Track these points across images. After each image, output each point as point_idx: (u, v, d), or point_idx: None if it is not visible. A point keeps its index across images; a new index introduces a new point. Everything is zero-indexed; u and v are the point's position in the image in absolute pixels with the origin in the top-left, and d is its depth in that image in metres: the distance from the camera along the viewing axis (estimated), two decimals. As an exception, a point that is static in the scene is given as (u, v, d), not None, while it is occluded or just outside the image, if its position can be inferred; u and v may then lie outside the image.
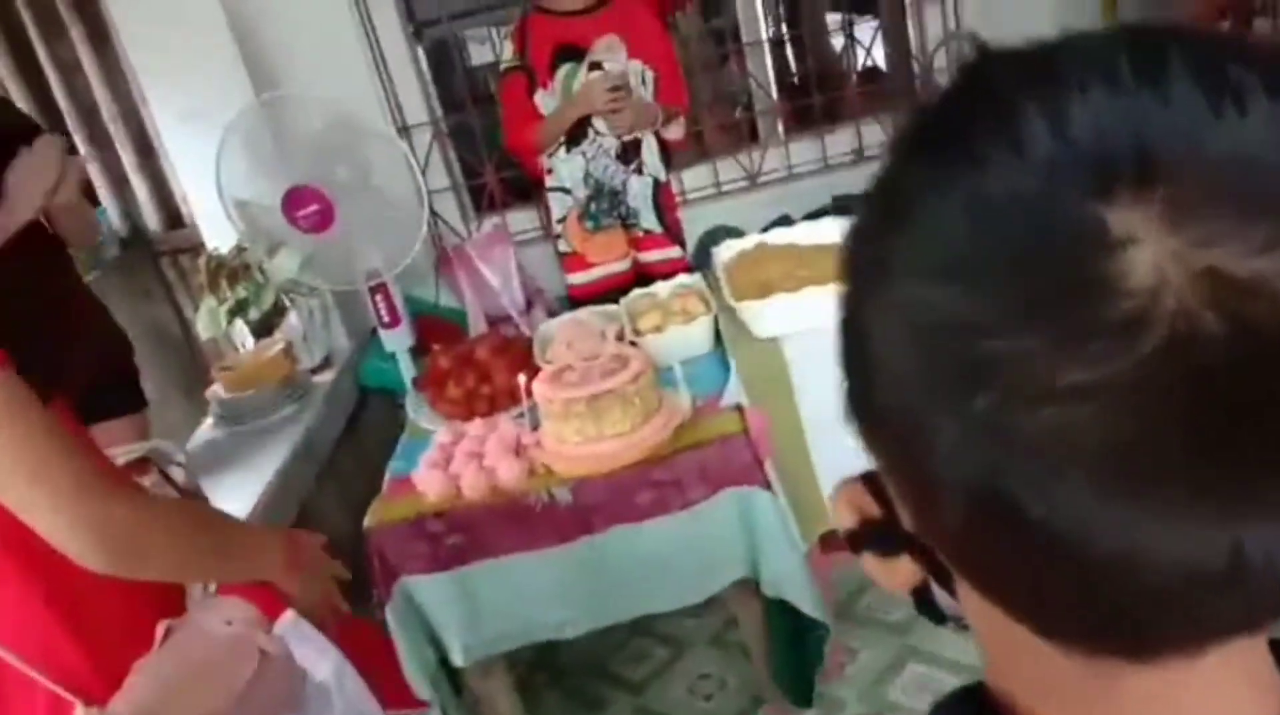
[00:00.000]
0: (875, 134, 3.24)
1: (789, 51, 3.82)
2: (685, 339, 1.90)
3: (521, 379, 1.76)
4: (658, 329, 1.92)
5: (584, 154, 2.44)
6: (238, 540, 1.13)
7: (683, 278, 2.12)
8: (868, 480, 0.41)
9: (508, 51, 2.42)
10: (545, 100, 2.42)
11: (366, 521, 1.68)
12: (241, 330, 2.56)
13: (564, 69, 2.38)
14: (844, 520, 0.43)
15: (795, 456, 1.67)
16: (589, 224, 2.50)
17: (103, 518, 0.91)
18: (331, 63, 2.83)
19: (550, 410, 1.69)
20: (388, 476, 1.83)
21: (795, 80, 3.43)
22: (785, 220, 3.19)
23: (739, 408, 1.68)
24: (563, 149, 2.45)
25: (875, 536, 0.41)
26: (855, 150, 3.26)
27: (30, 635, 0.95)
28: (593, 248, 2.53)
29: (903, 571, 0.40)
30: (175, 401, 3.12)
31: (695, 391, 1.78)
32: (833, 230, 1.94)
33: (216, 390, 2.45)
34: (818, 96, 3.23)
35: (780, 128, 3.28)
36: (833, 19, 3.77)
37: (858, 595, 2.17)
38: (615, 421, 1.64)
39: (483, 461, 1.70)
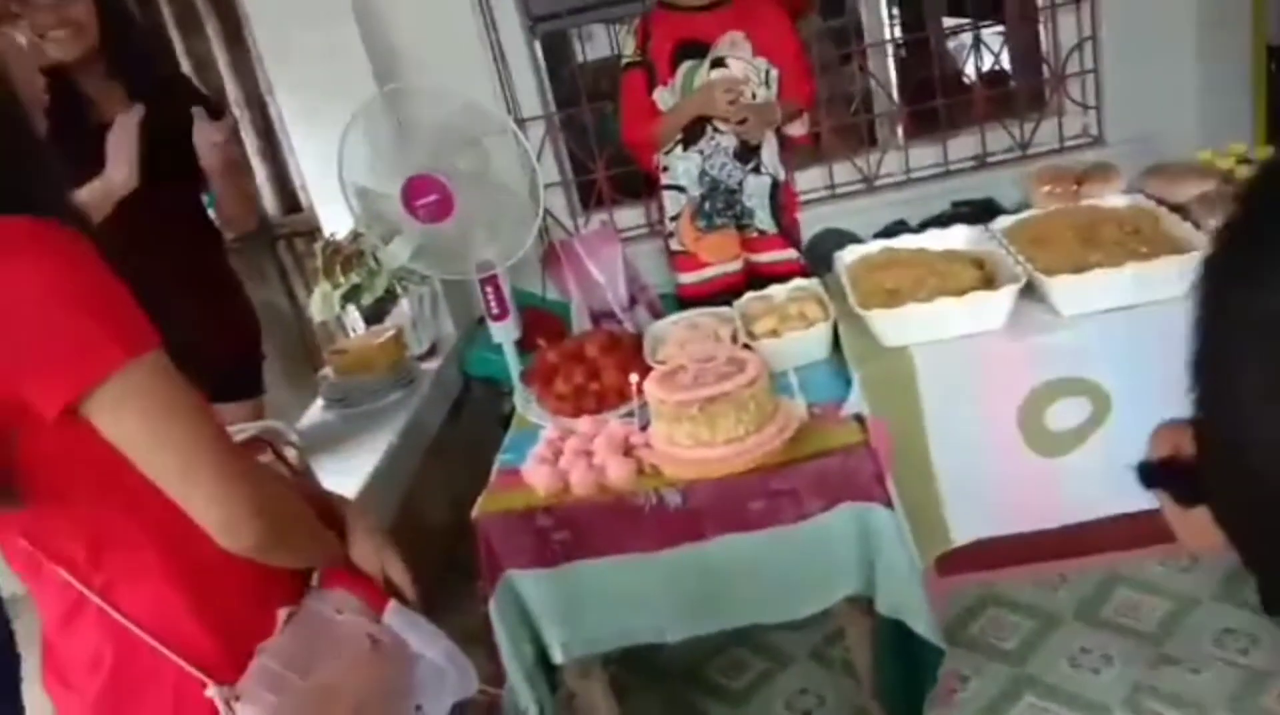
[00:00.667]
0: (1000, 139, 3.13)
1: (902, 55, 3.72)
2: (802, 345, 1.84)
3: (633, 378, 1.72)
4: (774, 333, 1.87)
5: (701, 152, 2.40)
6: (319, 528, 1.13)
7: (799, 281, 2.06)
8: (1196, 426, 0.45)
9: (629, 47, 2.39)
10: (664, 96, 2.38)
11: (475, 512, 1.67)
12: (353, 315, 2.60)
13: (685, 65, 2.34)
14: (1158, 450, 0.51)
15: (917, 471, 1.60)
16: (701, 223, 2.47)
17: (259, 498, 0.92)
18: (450, 56, 2.86)
19: (662, 411, 1.65)
20: (496, 467, 1.82)
21: (917, 83, 3.32)
22: (901, 225, 3.10)
23: (860, 418, 1.62)
24: (679, 147, 2.41)
25: (1179, 477, 0.46)
26: (977, 156, 3.15)
27: (162, 616, 0.96)
28: (705, 247, 2.49)
29: (1197, 525, 0.43)
30: (286, 382, 3.19)
31: (811, 399, 1.72)
32: (961, 237, 1.86)
33: (327, 373, 2.49)
34: (941, 100, 3.12)
35: (900, 131, 3.19)
36: (949, 22, 3.66)
37: (970, 618, 2.08)
38: (729, 426, 1.60)
39: (591, 459, 1.67)
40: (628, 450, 1.69)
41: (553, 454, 1.73)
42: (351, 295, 2.55)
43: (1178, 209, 1.69)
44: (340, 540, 1.16)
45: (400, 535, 1.26)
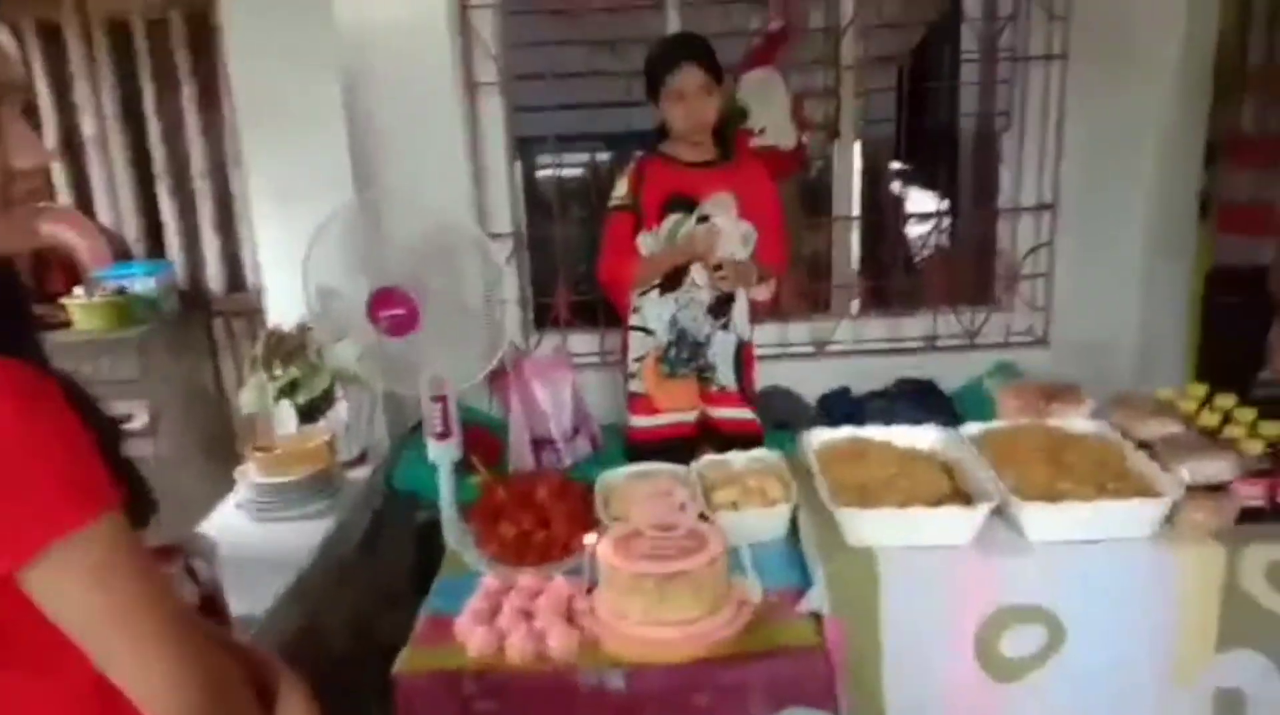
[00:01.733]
0: (950, 325, 3.21)
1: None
2: (762, 524, 1.79)
3: (590, 539, 1.65)
4: (734, 506, 1.82)
5: (676, 300, 2.41)
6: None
7: (761, 452, 2.03)
8: None
9: (622, 188, 2.40)
10: (647, 241, 2.40)
11: (397, 666, 1.54)
12: (287, 411, 2.47)
13: (673, 217, 2.36)
14: None
15: (866, 680, 1.54)
16: (665, 369, 2.45)
17: (209, 684, 0.82)
18: (431, 166, 2.84)
19: (615, 579, 1.57)
20: (423, 615, 1.70)
21: (877, 258, 3.42)
22: (845, 393, 3.14)
23: (816, 617, 1.56)
24: (655, 291, 2.41)
25: None
26: (927, 337, 3.23)
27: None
28: (664, 393, 2.47)
29: None
30: (194, 464, 3.01)
31: (766, 582, 1.67)
32: (929, 438, 1.86)
33: (248, 470, 2.34)
34: (897, 281, 3.21)
35: (856, 302, 3.25)
36: (915, 207, 3.80)
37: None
38: (683, 606, 1.53)
39: (533, 622, 1.58)
40: (571, 615, 1.60)
41: (490, 610, 1.62)
42: (287, 390, 2.43)
43: (1143, 445, 1.72)
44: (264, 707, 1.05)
45: (299, 664, 1.17)
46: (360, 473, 2.54)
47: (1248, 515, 1.62)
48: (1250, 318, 3.64)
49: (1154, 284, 3.16)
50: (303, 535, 2.18)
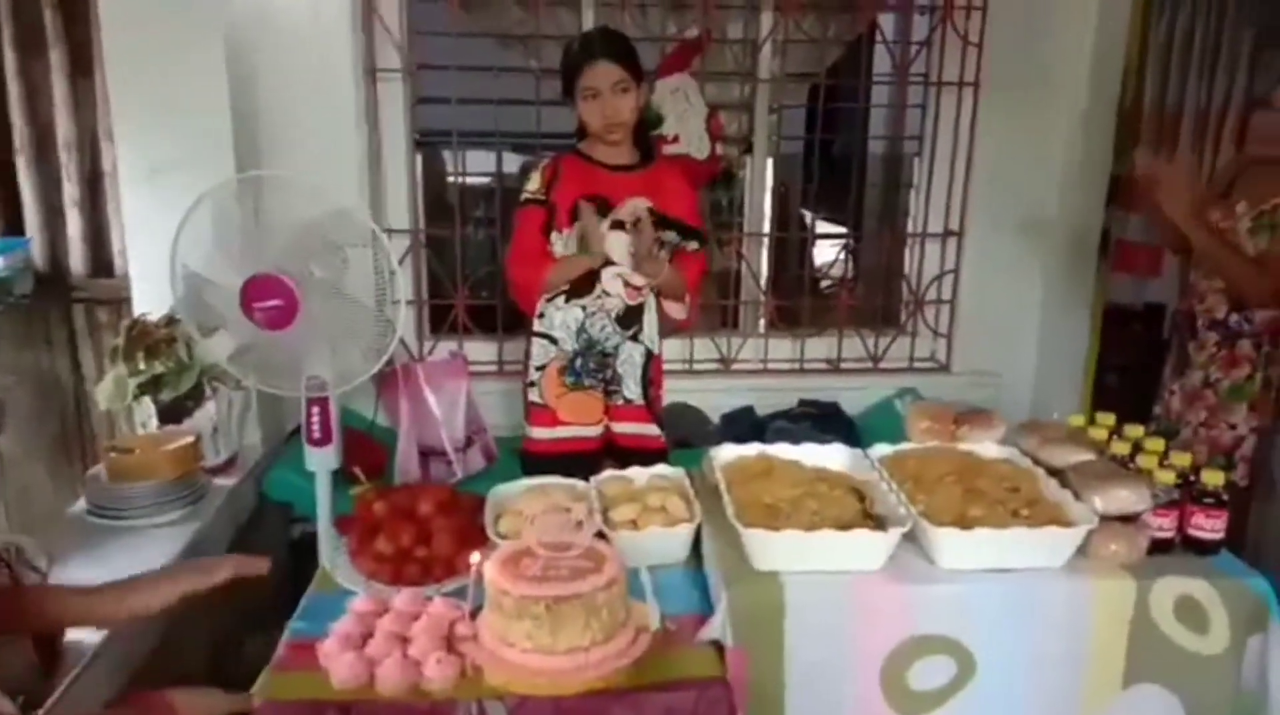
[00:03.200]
0: (854, 348, 3.18)
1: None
2: (663, 543, 1.68)
3: (474, 558, 1.50)
4: (633, 525, 1.70)
5: (584, 307, 2.29)
6: None
7: (663, 468, 1.92)
8: None
9: (535, 183, 2.26)
10: (559, 242, 2.27)
11: (254, 692, 1.37)
12: (148, 409, 2.26)
13: (585, 208, 2.23)
14: None
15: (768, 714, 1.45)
16: (569, 379, 2.33)
17: None
18: (322, 153, 2.66)
19: (501, 602, 1.43)
20: (286, 636, 1.54)
21: (785, 278, 3.37)
22: (749, 412, 3.08)
23: (718, 646, 1.46)
24: (562, 297, 2.29)
25: None
26: (831, 360, 3.19)
27: None
28: (565, 405, 2.34)
29: None
30: (44, 463, 2.75)
31: (665, 607, 1.55)
32: (838, 458, 1.78)
33: (99, 473, 2.12)
34: (805, 301, 3.17)
35: (763, 322, 3.20)
36: (824, 228, 3.78)
37: None
38: (575, 633, 1.40)
39: (407, 649, 1.43)
40: (451, 642, 1.46)
41: (360, 635, 1.46)
42: (150, 387, 2.22)
43: (1054, 473, 1.68)
44: None
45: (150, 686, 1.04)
46: (227, 480, 2.34)
47: (1157, 546, 1.59)
48: (1146, 355, 3.73)
49: (1053, 316, 3.20)
50: (158, 546, 1.98)
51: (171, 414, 2.25)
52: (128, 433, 2.33)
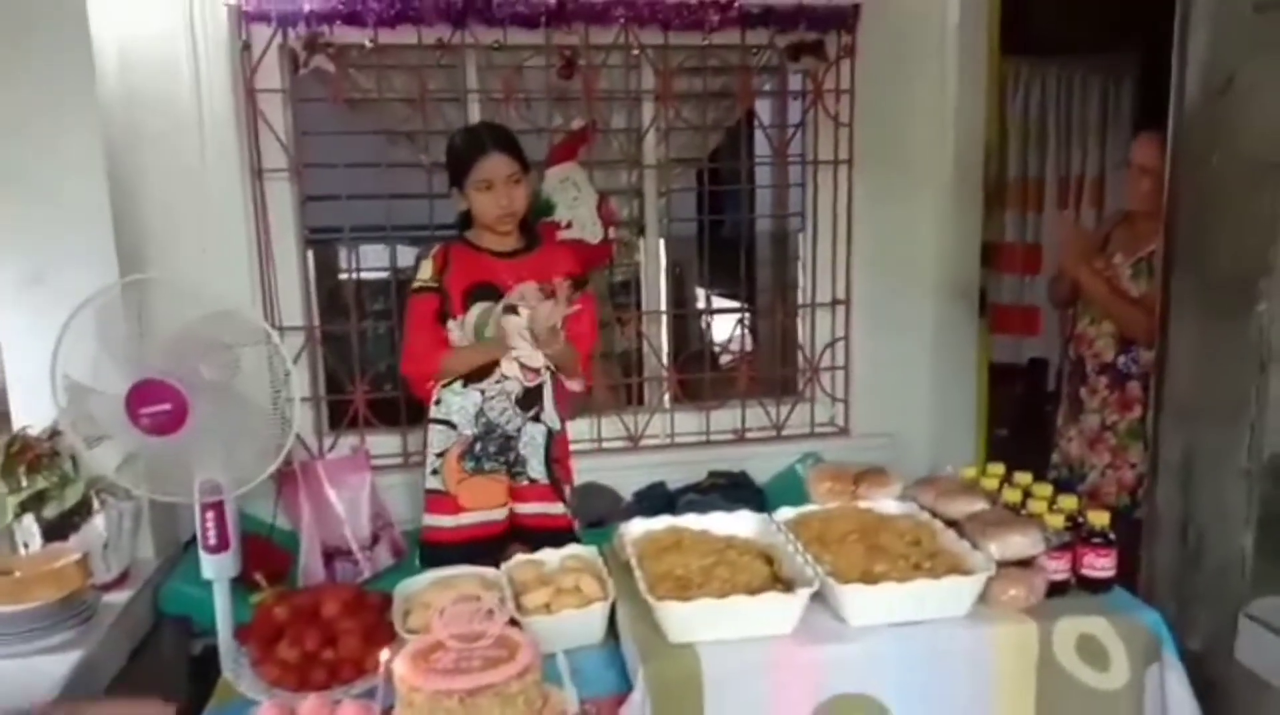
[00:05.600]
0: (758, 417, 3.25)
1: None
2: (578, 625, 1.67)
3: (384, 655, 1.46)
4: (547, 608, 1.68)
5: (482, 392, 2.28)
6: None
7: (575, 548, 1.91)
8: None
9: (426, 271, 2.27)
10: (455, 329, 2.28)
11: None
12: (30, 527, 2.14)
13: (479, 307, 2.25)
14: None
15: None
16: (469, 465, 2.30)
17: None
18: (211, 254, 2.64)
19: (413, 699, 1.39)
20: (186, 756, 1.46)
21: (686, 355, 3.43)
22: (660, 486, 3.09)
23: (639, 725, 1.44)
24: (459, 382, 2.28)
25: None
26: (736, 430, 3.24)
27: None
28: (467, 491, 2.31)
29: None
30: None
31: (583, 691, 1.53)
32: (745, 525, 1.81)
33: (-24, 599, 1.99)
34: (707, 374, 3.23)
35: (667, 397, 3.24)
36: (720, 303, 3.87)
37: None
38: (491, 724, 1.37)
39: (317, 755, 1.37)
40: (363, 745, 1.40)
41: (267, 744, 1.40)
42: (32, 503, 2.12)
43: (951, 524, 1.73)
44: None
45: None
46: (120, 596, 2.23)
47: (1054, 589, 1.64)
48: (1033, 408, 3.91)
49: (942, 376, 3.32)
50: (41, 673, 1.87)
51: (57, 530, 2.14)
52: (8, 554, 2.20)
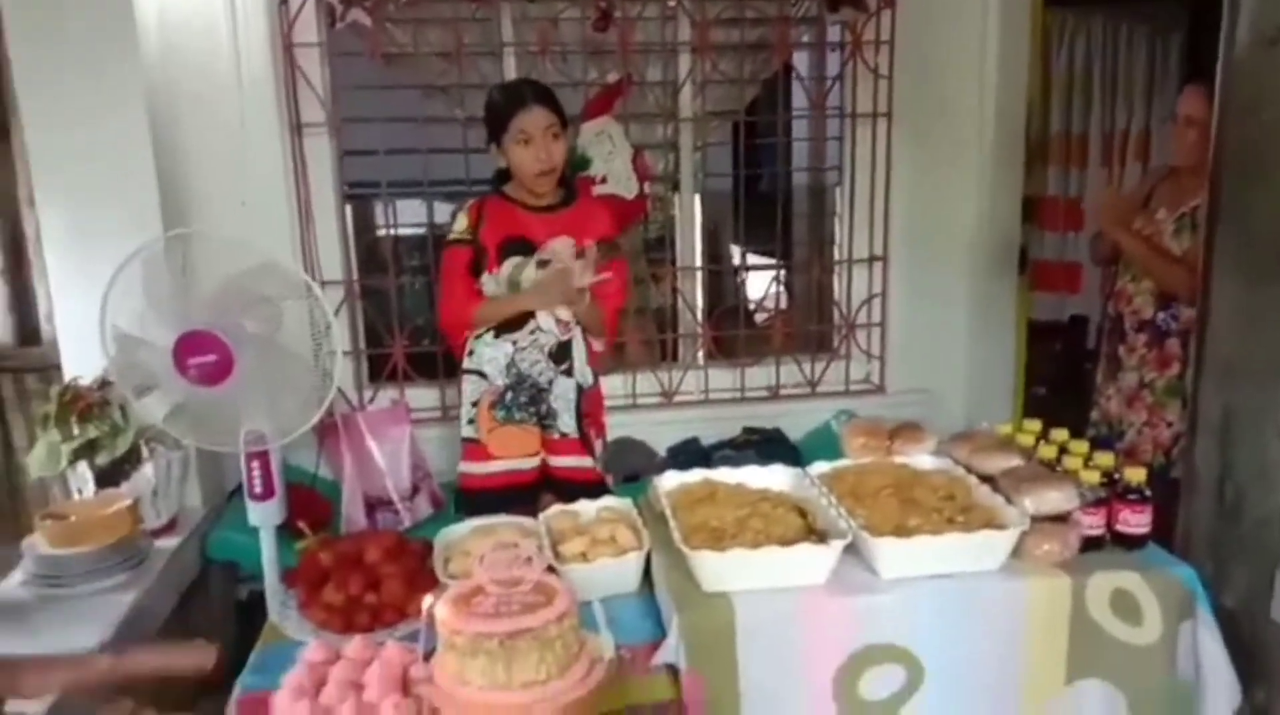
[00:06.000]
0: (792, 374, 3.25)
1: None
2: (613, 574, 1.70)
3: (427, 601, 1.50)
4: (583, 557, 1.72)
5: (514, 342, 2.31)
6: None
7: (610, 500, 1.94)
8: None
9: (461, 223, 2.30)
10: (488, 283, 2.31)
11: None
12: (84, 474, 2.21)
13: (513, 260, 2.27)
14: None
15: (726, 736, 1.47)
16: (500, 414, 2.34)
17: None
18: (251, 209, 2.67)
19: (454, 642, 1.43)
20: (237, 692, 1.52)
21: (721, 311, 3.43)
22: (694, 442, 3.11)
23: (673, 669, 1.47)
24: (490, 333, 2.32)
25: None
26: (770, 387, 3.25)
27: None
28: (498, 440, 2.35)
29: None
30: (-27, 539, 2.66)
31: (619, 637, 1.57)
32: (780, 478, 1.82)
33: (35, 541, 2.07)
34: (741, 331, 3.23)
35: (701, 353, 3.24)
36: (755, 260, 3.86)
37: None
38: (529, 668, 1.40)
39: (362, 695, 1.42)
40: (406, 685, 1.45)
41: (313, 683, 1.45)
42: (85, 451, 2.18)
43: (986, 479, 1.74)
44: None
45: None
46: (169, 542, 2.29)
47: (1089, 544, 1.65)
48: (1072, 366, 3.87)
49: (980, 333, 3.30)
50: (97, 613, 1.93)
51: (109, 478, 2.21)
52: (63, 500, 2.28)
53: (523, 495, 2.27)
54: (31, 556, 2.03)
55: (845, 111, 3.16)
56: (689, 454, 3.05)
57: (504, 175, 2.36)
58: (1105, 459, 1.73)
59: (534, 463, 2.41)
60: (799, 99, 3.28)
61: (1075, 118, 4.27)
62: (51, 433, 2.18)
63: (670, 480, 1.81)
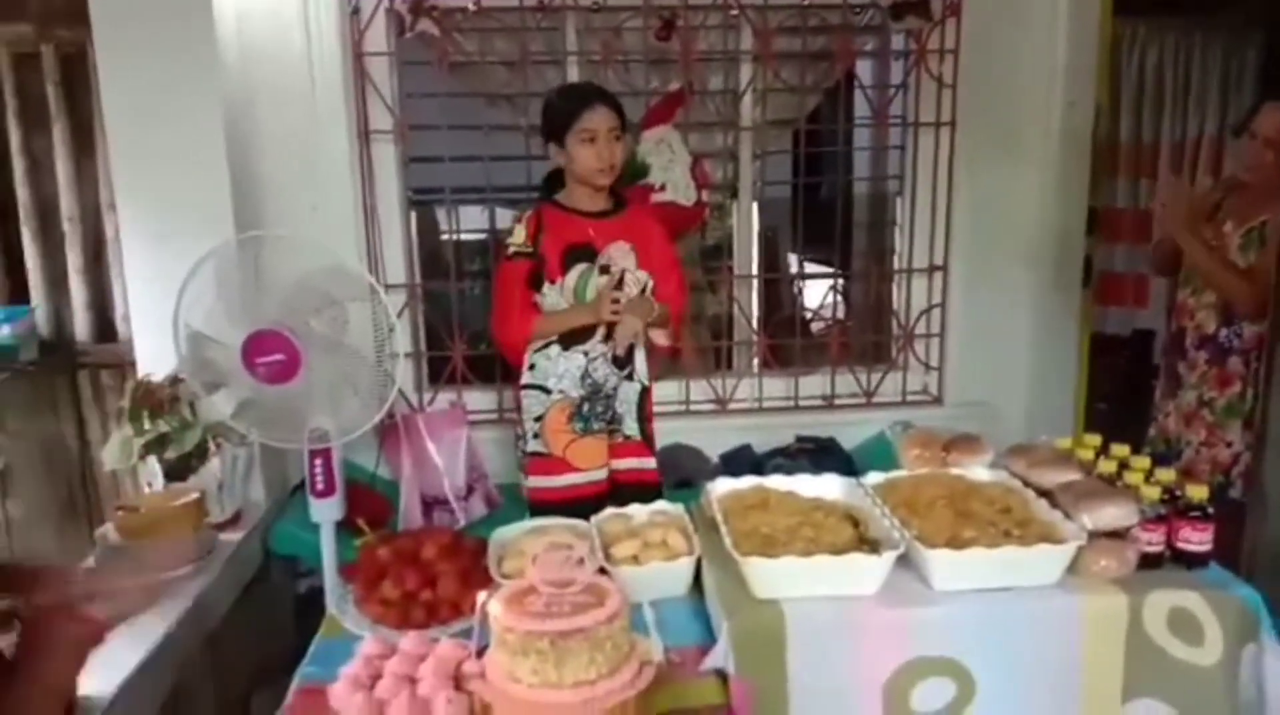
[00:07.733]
0: (847, 384, 3.23)
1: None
2: (664, 578, 1.71)
3: (481, 597, 1.53)
4: (635, 560, 1.73)
5: (585, 353, 2.33)
6: None
7: (662, 505, 1.96)
8: None
9: (520, 235, 2.32)
10: (552, 294, 2.33)
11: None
12: (153, 468, 2.29)
13: (579, 268, 2.30)
14: None
15: (775, 743, 1.47)
16: (579, 426, 2.36)
17: None
18: (319, 213, 2.74)
19: (506, 639, 1.46)
20: (296, 682, 1.56)
21: (777, 320, 3.43)
22: (747, 450, 3.11)
23: (722, 674, 1.48)
24: (555, 346, 2.34)
25: None
26: (825, 396, 3.23)
27: None
28: (576, 452, 2.37)
29: None
30: (51, 526, 2.77)
31: (668, 640, 1.58)
32: (832, 487, 1.82)
33: (107, 532, 2.15)
34: (798, 339, 3.22)
35: (756, 361, 3.24)
36: (812, 269, 3.85)
37: None
38: (580, 667, 1.42)
39: (416, 688, 1.45)
40: (459, 681, 1.48)
41: (369, 676, 1.49)
42: (155, 446, 2.26)
43: (1043, 493, 1.71)
44: None
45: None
46: (234, 535, 2.36)
47: (1147, 561, 1.62)
48: (1135, 381, 3.79)
49: (1042, 346, 3.25)
50: (167, 603, 2.00)
51: (177, 472, 2.28)
52: (134, 493, 2.36)
53: (596, 505, 2.26)
54: (104, 547, 2.11)
55: (908, 120, 3.14)
56: (741, 461, 3.05)
57: (552, 183, 2.39)
58: (1166, 475, 1.70)
59: (605, 472, 2.42)
60: (860, 108, 3.26)
61: (1145, 128, 4.18)
62: (124, 427, 2.27)
63: (723, 486, 1.81)
